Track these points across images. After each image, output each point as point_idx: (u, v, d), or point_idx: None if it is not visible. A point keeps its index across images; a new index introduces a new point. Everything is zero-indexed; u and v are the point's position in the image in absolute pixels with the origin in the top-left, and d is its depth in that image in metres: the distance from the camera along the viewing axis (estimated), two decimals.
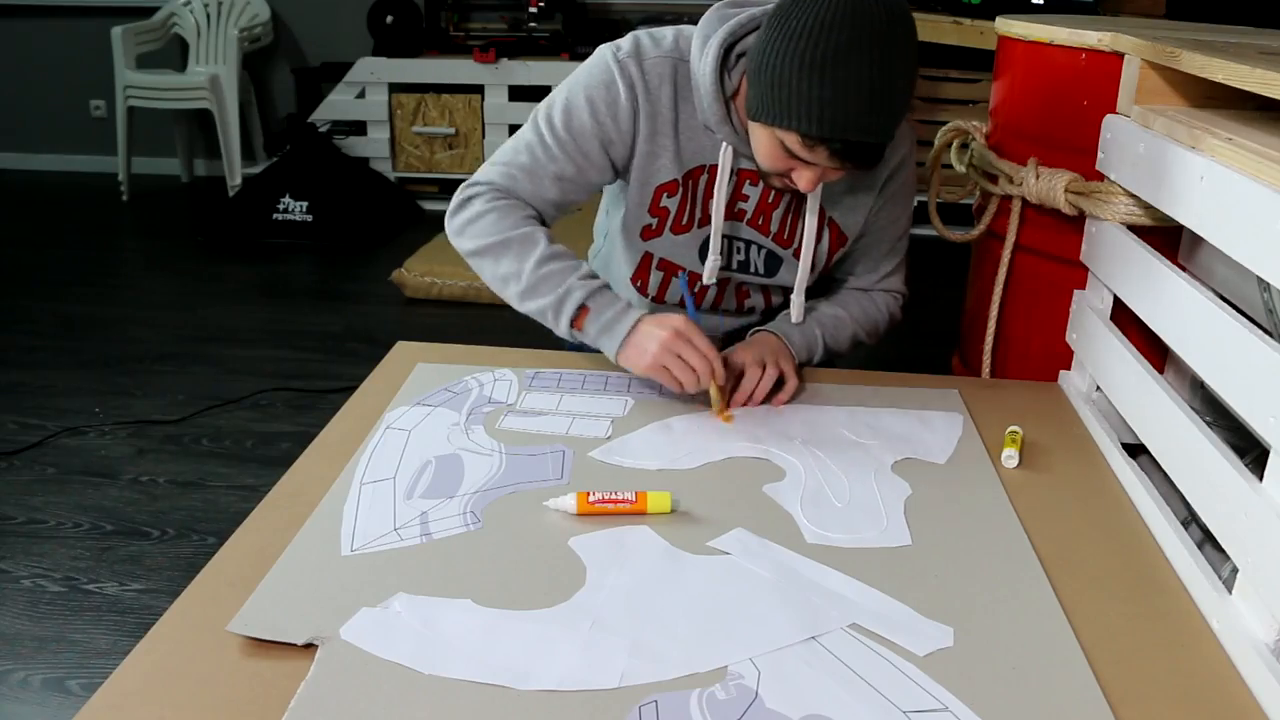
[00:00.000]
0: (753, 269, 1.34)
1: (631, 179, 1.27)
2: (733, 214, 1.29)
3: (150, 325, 3.06)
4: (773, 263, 1.34)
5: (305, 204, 3.83)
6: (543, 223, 1.28)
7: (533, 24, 4.32)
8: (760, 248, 1.33)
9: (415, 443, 1.12)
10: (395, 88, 4.25)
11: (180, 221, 4.13)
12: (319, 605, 0.84)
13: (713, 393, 1.17)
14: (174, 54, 4.49)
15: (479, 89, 4.21)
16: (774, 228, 1.31)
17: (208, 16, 4.44)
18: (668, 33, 1.24)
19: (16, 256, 3.69)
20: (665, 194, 1.27)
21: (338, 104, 4.25)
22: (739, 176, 1.27)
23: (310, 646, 0.80)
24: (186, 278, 3.53)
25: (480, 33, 4.39)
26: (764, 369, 1.22)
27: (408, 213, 4.19)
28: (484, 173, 1.28)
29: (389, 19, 4.30)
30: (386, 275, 3.34)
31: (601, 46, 1.25)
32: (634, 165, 1.25)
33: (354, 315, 3.19)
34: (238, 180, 4.26)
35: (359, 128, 4.29)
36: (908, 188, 1.35)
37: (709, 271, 1.30)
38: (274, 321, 3.12)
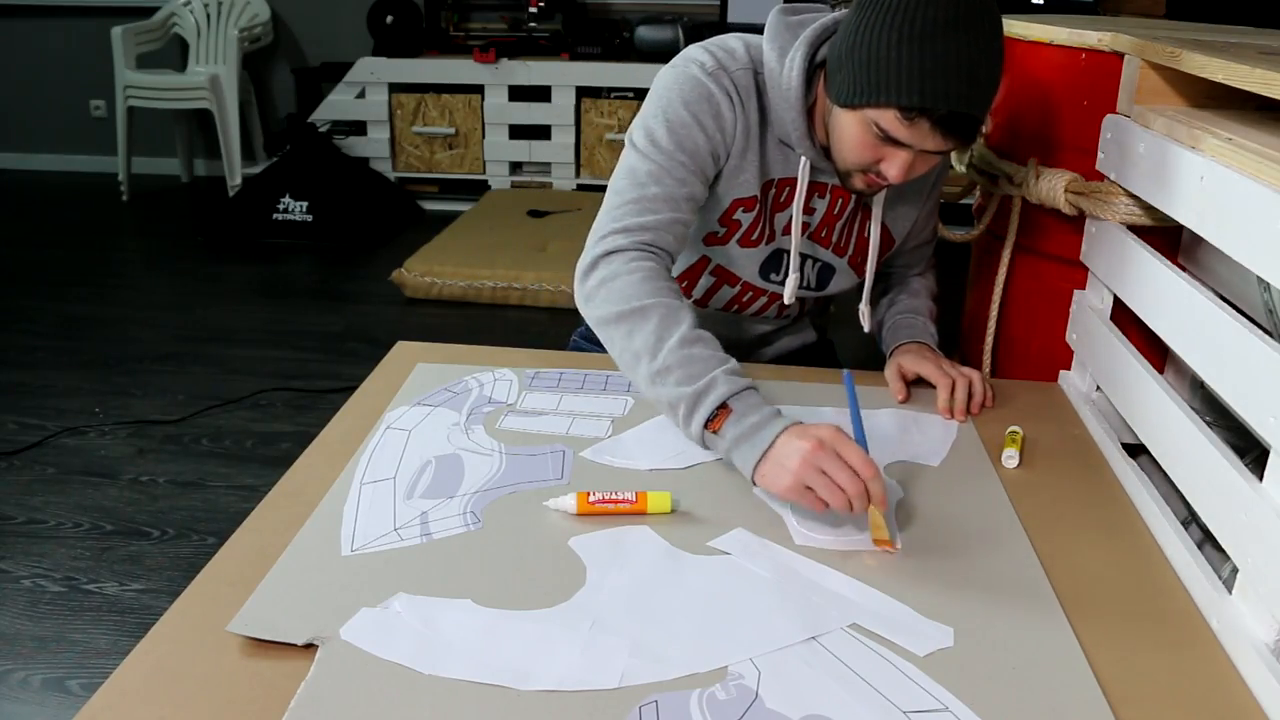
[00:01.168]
0: (805, 282, 1.34)
1: (713, 190, 1.23)
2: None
3: (150, 325, 3.06)
4: (824, 275, 1.34)
5: (305, 204, 3.83)
6: (679, 290, 1.16)
7: (533, 24, 4.32)
8: (815, 261, 1.32)
9: (415, 443, 1.12)
10: (395, 88, 4.25)
11: (180, 221, 4.13)
12: (319, 605, 0.84)
13: (872, 517, 0.95)
14: (174, 54, 4.49)
15: (479, 89, 4.21)
16: (834, 238, 1.30)
17: (208, 16, 4.44)
18: (737, 44, 1.20)
19: (16, 256, 3.69)
20: (742, 208, 1.24)
21: (338, 104, 4.26)
22: (809, 190, 1.25)
23: (310, 646, 0.80)
24: (186, 278, 3.53)
25: (480, 33, 4.39)
26: (954, 378, 1.23)
27: (408, 213, 4.19)
28: (612, 218, 1.16)
29: (389, 19, 4.30)
30: (386, 275, 3.34)
31: (672, 67, 1.20)
32: (721, 177, 1.22)
33: (354, 315, 3.19)
34: (238, 180, 4.26)
35: (359, 128, 4.29)
36: (943, 175, 1.38)
37: (790, 292, 1.29)
38: (274, 321, 3.12)
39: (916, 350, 1.29)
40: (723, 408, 1.02)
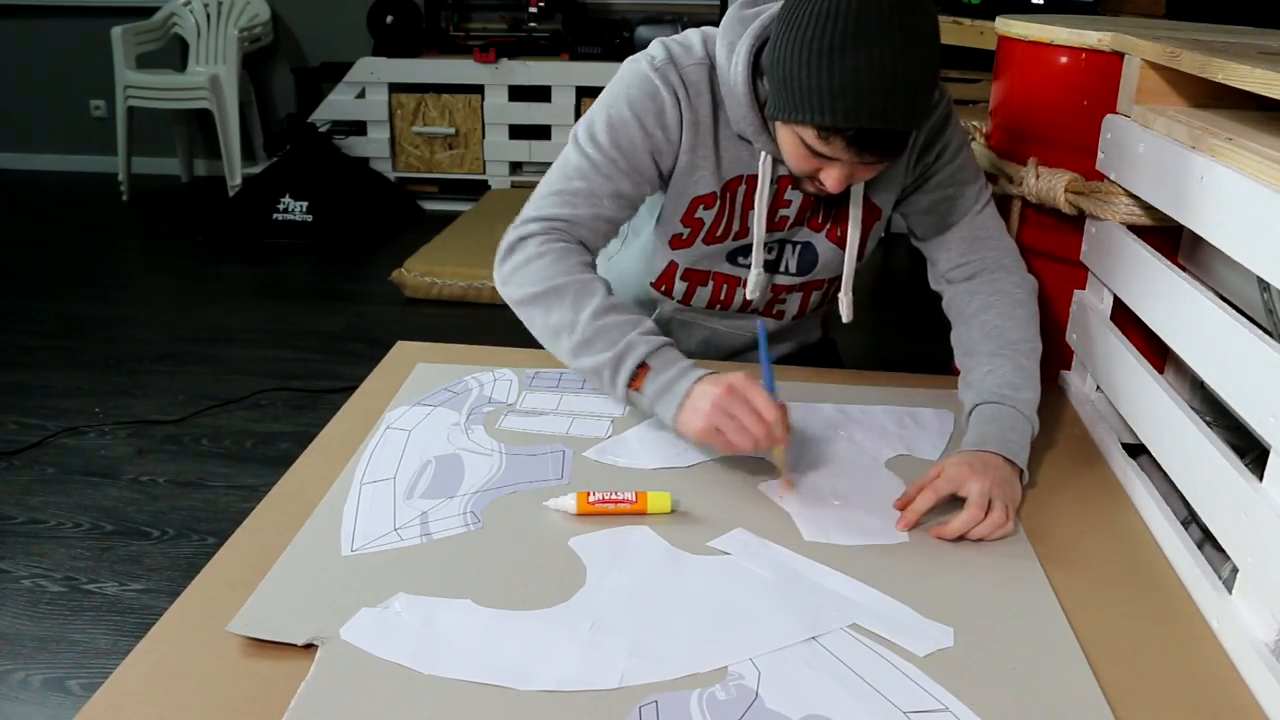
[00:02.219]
0: (784, 267, 1.29)
1: (669, 189, 1.23)
2: (773, 224, 1.24)
3: (150, 325, 3.06)
4: (806, 256, 1.28)
5: (305, 204, 3.83)
6: (594, 259, 1.21)
7: (533, 24, 4.32)
8: (795, 245, 1.27)
9: (415, 443, 1.12)
10: (395, 88, 4.25)
11: (180, 221, 4.13)
12: (319, 605, 0.84)
13: (776, 458, 1.05)
14: (174, 54, 4.49)
15: (479, 89, 4.21)
16: (814, 219, 1.26)
17: (208, 16, 4.44)
18: (694, 38, 1.19)
19: (16, 256, 3.69)
20: (702, 205, 1.23)
21: (338, 104, 4.25)
22: (779, 184, 1.22)
23: (310, 646, 0.80)
24: (186, 278, 3.53)
25: (480, 33, 4.39)
26: (987, 510, 0.98)
27: (408, 213, 4.19)
28: (535, 207, 1.20)
29: (389, 19, 4.30)
30: (386, 275, 3.34)
31: (630, 60, 1.20)
32: (674, 175, 1.21)
33: (354, 315, 3.19)
34: (238, 180, 4.26)
35: (359, 128, 4.29)
36: (954, 131, 1.23)
37: (753, 286, 1.26)
38: (274, 321, 3.12)
39: (988, 461, 1.03)
40: (642, 366, 1.08)
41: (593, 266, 1.18)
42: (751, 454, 1.05)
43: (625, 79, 1.19)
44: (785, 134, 1.09)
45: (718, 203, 1.22)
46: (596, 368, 1.11)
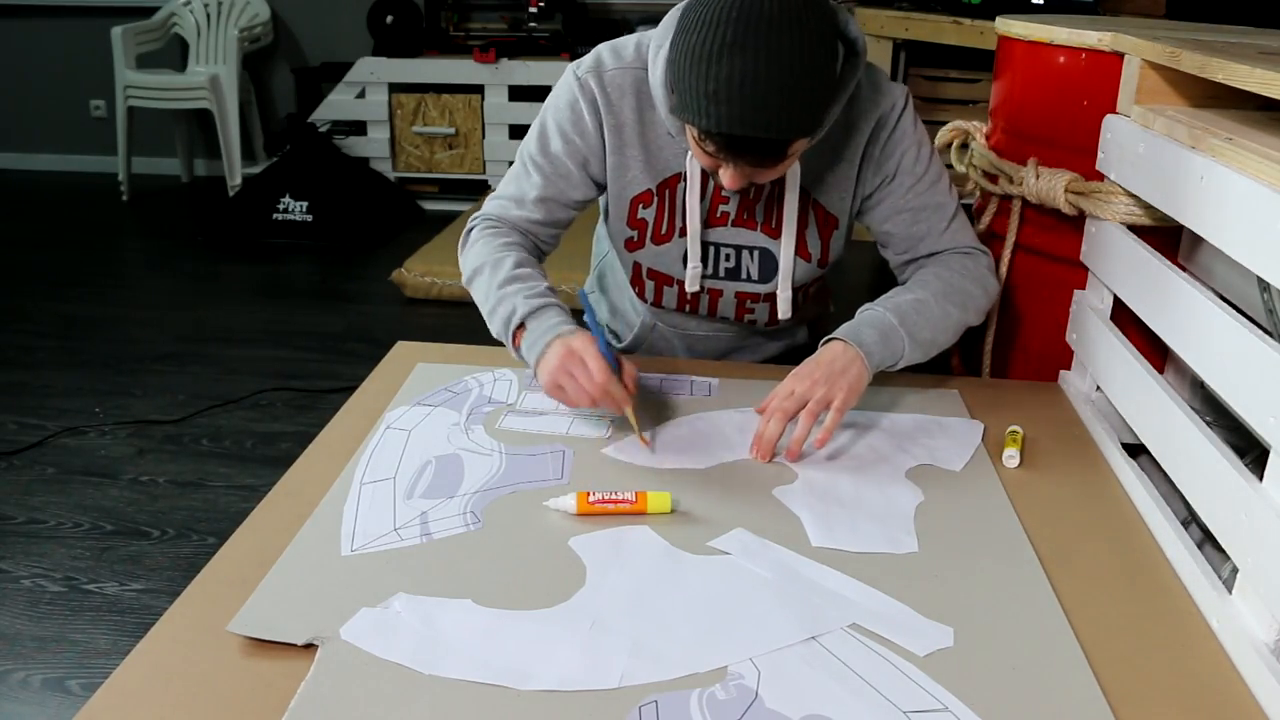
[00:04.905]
0: (745, 274, 1.30)
1: (609, 192, 1.28)
2: (715, 219, 1.26)
3: (150, 325, 3.06)
4: (768, 265, 1.29)
5: (305, 204, 3.83)
6: (538, 249, 1.30)
7: (533, 24, 4.32)
8: (752, 250, 1.28)
9: (415, 443, 1.12)
10: (395, 88, 4.25)
11: (180, 221, 4.13)
12: (319, 605, 0.84)
13: (628, 416, 1.11)
14: (174, 54, 4.49)
15: (479, 89, 4.21)
16: (760, 218, 1.26)
17: (208, 16, 4.44)
18: (629, 43, 1.23)
19: (16, 256, 3.69)
20: (641, 205, 1.27)
21: (338, 104, 4.25)
22: (708, 180, 1.24)
23: (310, 646, 0.80)
24: (186, 278, 3.53)
25: (480, 33, 4.39)
26: (801, 402, 1.09)
27: (408, 213, 4.19)
28: (485, 207, 1.31)
29: (389, 19, 4.30)
30: (386, 275, 3.34)
31: (569, 66, 1.26)
32: (608, 179, 1.26)
33: (354, 315, 3.19)
34: (238, 180, 4.26)
35: (359, 128, 4.29)
36: (912, 143, 1.23)
37: (690, 278, 1.28)
38: (274, 321, 3.12)
39: (825, 351, 1.14)
40: (520, 326, 1.16)
41: (521, 246, 1.27)
42: (595, 411, 1.16)
43: (558, 87, 1.27)
44: (688, 131, 1.11)
45: (654, 200, 1.26)
46: (499, 332, 1.20)
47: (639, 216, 1.28)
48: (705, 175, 1.23)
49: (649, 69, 1.19)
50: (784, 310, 1.30)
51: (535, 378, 1.14)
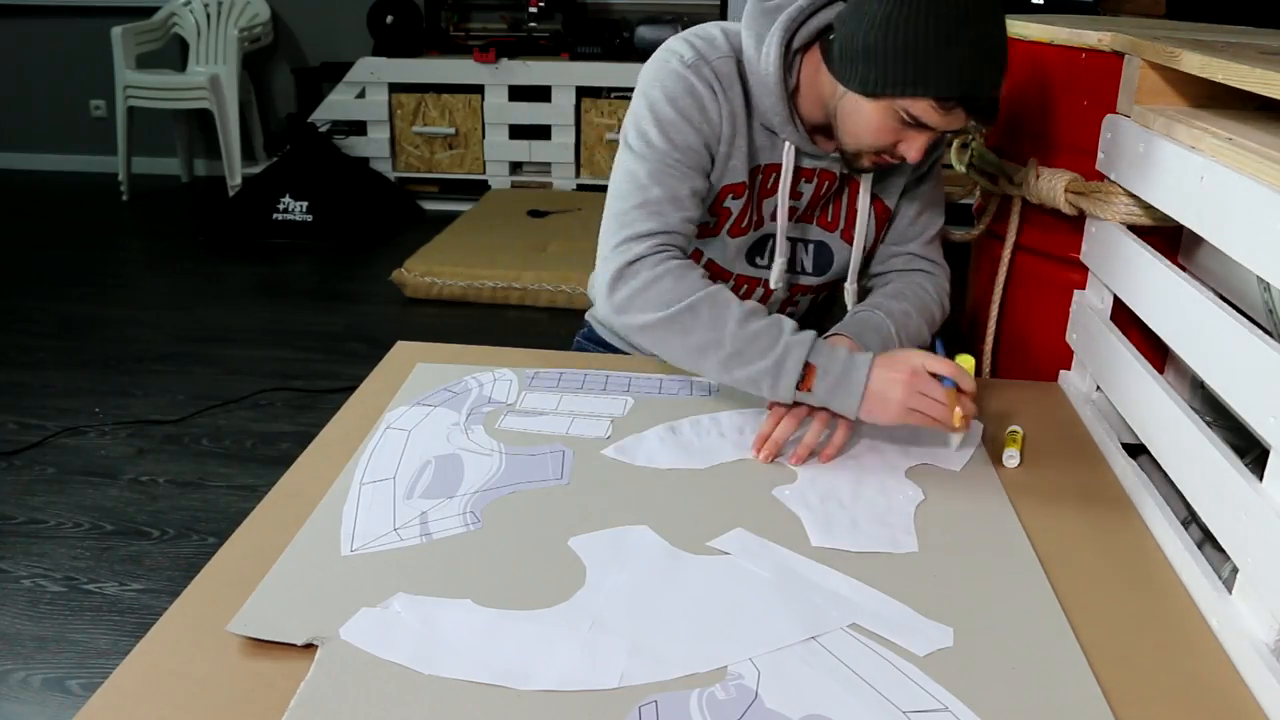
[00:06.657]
0: (800, 267, 1.32)
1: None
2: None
3: (150, 325, 3.06)
4: (822, 257, 1.31)
5: (305, 204, 3.84)
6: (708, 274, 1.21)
7: (533, 24, 4.32)
8: (808, 244, 1.30)
9: (415, 442, 1.12)
10: (395, 88, 4.25)
11: (180, 221, 4.13)
12: (319, 605, 0.84)
13: (955, 417, 1.09)
14: (174, 54, 4.50)
15: (479, 89, 4.21)
16: (823, 216, 1.29)
17: (208, 16, 4.44)
18: (714, 32, 1.21)
19: (16, 256, 3.69)
20: (731, 195, 1.24)
21: (338, 104, 4.26)
22: (795, 175, 1.24)
23: (310, 646, 0.80)
24: (186, 278, 3.53)
25: (480, 33, 4.39)
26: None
27: (408, 213, 4.19)
28: (622, 225, 1.17)
29: (389, 19, 4.30)
30: (386, 275, 3.34)
31: (654, 64, 1.21)
32: (713, 165, 1.22)
33: (354, 315, 3.19)
34: (238, 180, 4.26)
35: (359, 128, 4.29)
36: (944, 142, 1.33)
37: (776, 276, 1.28)
38: (274, 321, 3.12)
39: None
40: (809, 367, 1.09)
41: (709, 276, 1.17)
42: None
43: (658, 82, 1.19)
44: (874, 110, 1.10)
45: (745, 192, 1.24)
46: (754, 377, 1.10)
47: (724, 205, 1.25)
48: (792, 170, 1.23)
49: (751, 62, 1.17)
50: (851, 302, 1.31)
51: (855, 414, 1.08)
